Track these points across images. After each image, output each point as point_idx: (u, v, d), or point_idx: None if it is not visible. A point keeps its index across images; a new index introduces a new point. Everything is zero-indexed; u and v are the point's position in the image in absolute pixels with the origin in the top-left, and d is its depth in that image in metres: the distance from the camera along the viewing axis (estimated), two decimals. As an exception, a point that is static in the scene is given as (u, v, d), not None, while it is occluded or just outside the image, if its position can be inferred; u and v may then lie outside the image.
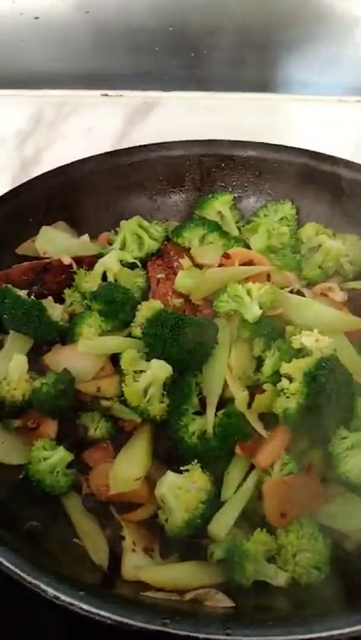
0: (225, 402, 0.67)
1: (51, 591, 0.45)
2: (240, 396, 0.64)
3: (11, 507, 0.58)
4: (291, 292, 0.74)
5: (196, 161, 0.93)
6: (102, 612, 0.44)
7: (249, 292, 0.70)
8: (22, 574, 0.46)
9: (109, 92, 1.17)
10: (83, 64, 1.15)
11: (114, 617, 0.43)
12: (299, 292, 0.75)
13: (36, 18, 1.08)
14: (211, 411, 0.66)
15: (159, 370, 0.67)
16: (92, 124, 1.16)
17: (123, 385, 0.69)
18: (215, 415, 0.65)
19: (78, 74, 1.16)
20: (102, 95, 1.17)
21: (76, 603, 0.44)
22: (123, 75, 1.15)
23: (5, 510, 0.55)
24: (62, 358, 0.73)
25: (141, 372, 0.69)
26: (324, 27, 1.06)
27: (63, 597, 0.45)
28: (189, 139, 0.95)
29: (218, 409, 0.66)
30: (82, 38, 1.11)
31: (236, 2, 1.05)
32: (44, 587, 0.45)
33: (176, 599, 0.51)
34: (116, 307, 0.74)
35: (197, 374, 0.69)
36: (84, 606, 0.44)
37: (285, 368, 0.64)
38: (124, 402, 0.70)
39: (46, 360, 0.74)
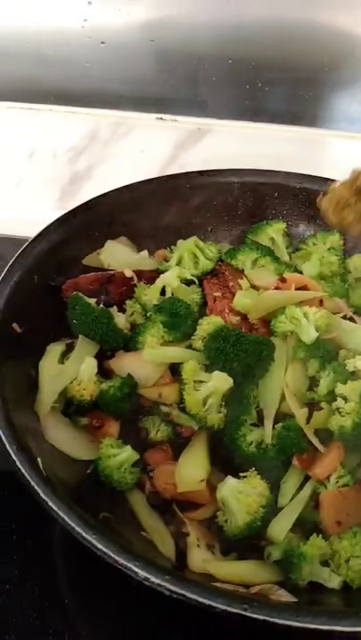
0: (280, 416, 0.72)
1: (141, 573, 0.49)
2: (300, 411, 0.69)
3: (86, 498, 0.62)
4: (343, 318, 0.80)
5: (251, 188, 0.99)
6: (188, 594, 0.48)
7: (306, 315, 0.76)
8: (116, 557, 0.50)
9: (164, 116, 1.23)
10: (141, 88, 1.21)
11: (200, 599, 0.48)
12: (350, 319, 0.80)
13: (103, 43, 1.15)
14: (269, 422, 0.71)
15: (220, 381, 0.72)
16: (145, 146, 1.22)
17: (183, 393, 0.74)
18: (273, 428, 0.70)
19: (136, 96, 1.22)
20: (157, 119, 1.23)
21: (164, 584, 0.49)
22: (179, 100, 1.21)
23: (83, 501, 0.60)
24: (126, 364, 0.78)
25: (201, 382, 0.74)
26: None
27: (153, 579, 0.49)
28: (238, 166, 1.02)
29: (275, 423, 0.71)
30: (143, 64, 1.17)
31: (291, 41, 1.12)
32: (135, 569, 0.50)
33: (244, 591, 0.56)
34: (179, 319, 0.79)
35: (255, 388, 0.74)
36: (172, 587, 0.49)
37: (341, 389, 0.69)
38: (183, 409, 0.75)
39: (111, 364, 0.79)
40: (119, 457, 0.69)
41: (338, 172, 1.02)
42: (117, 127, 1.23)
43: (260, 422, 0.72)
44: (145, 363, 0.77)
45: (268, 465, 0.68)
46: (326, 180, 0.97)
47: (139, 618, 0.63)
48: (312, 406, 0.72)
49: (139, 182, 0.96)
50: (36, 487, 0.55)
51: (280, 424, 0.70)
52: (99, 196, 0.92)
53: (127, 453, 0.69)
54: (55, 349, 0.77)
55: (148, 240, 0.95)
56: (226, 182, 0.98)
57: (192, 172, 0.97)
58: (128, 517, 0.66)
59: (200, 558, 0.60)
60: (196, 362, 0.76)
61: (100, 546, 0.51)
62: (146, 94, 1.21)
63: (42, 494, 0.54)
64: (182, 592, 0.49)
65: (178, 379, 0.76)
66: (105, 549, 0.51)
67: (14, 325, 0.75)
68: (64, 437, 0.70)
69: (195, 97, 1.21)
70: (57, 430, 0.70)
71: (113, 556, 0.51)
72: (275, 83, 1.17)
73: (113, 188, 0.94)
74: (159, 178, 0.97)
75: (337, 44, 1.11)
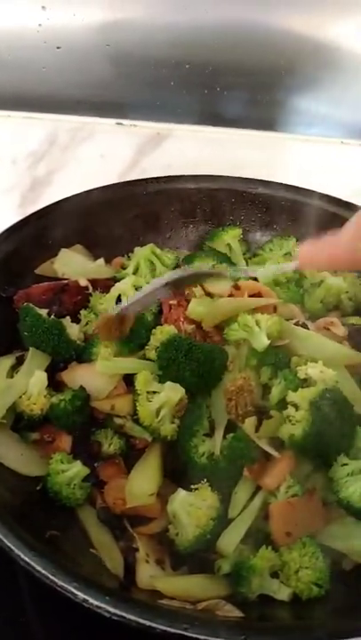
0: (232, 426, 0.71)
1: (80, 595, 0.48)
2: (248, 421, 0.69)
3: (31, 516, 0.61)
4: (296, 324, 0.79)
5: (208, 194, 0.98)
6: (128, 615, 0.47)
7: (258, 323, 0.75)
8: (54, 579, 0.49)
9: (123, 122, 1.22)
10: (100, 92, 1.20)
11: (139, 620, 0.47)
12: (303, 325, 0.80)
13: (58, 47, 1.14)
14: (219, 433, 0.70)
15: (172, 392, 0.72)
16: (105, 151, 1.21)
17: (137, 404, 0.73)
18: (224, 438, 0.70)
19: (95, 101, 1.21)
20: (117, 124, 1.22)
21: (103, 606, 0.48)
22: (138, 105, 1.21)
23: (27, 519, 0.59)
24: (78, 376, 0.77)
25: (154, 392, 0.73)
26: (329, 71, 1.14)
27: (91, 601, 0.48)
28: (198, 171, 1.01)
29: (227, 432, 0.70)
30: (101, 69, 1.16)
31: (248, 46, 1.11)
32: (74, 591, 0.49)
33: (190, 608, 0.55)
34: (132, 330, 0.79)
35: (208, 398, 0.74)
36: (111, 609, 0.48)
37: (292, 396, 0.69)
38: (136, 421, 0.74)
39: (63, 376, 0.78)
40: (69, 472, 0.68)
41: (296, 175, 1.03)
42: (77, 132, 1.22)
43: (213, 433, 0.71)
44: (98, 374, 0.75)
45: (219, 476, 0.68)
46: (280, 184, 0.97)
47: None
48: (264, 415, 0.71)
49: (95, 189, 0.95)
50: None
51: (231, 434, 0.69)
52: (52, 204, 0.91)
53: (77, 468, 0.69)
54: (4, 363, 0.76)
55: (104, 248, 0.94)
56: (183, 188, 0.98)
57: (149, 179, 0.96)
58: (78, 535, 0.65)
59: (148, 574, 0.59)
60: (150, 372, 0.75)
61: (38, 567, 0.50)
62: (104, 99, 1.21)
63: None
64: (122, 614, 0.48)
65: (132, 390, 0.75)
66: (43, 570, 0.50)
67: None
68: (12, 454, 0.68)
69: (154, 102, 1.20)
70: (4, 446, 0.68)
71: (51, 577, 0.50)
72: (233, 87, 1.17)
73: (67, 196, 0.92)
74: (115, 185, 0.96)
75: (293, 47, 1.12)
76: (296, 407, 0.68)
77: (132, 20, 1.10)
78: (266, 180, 0.98)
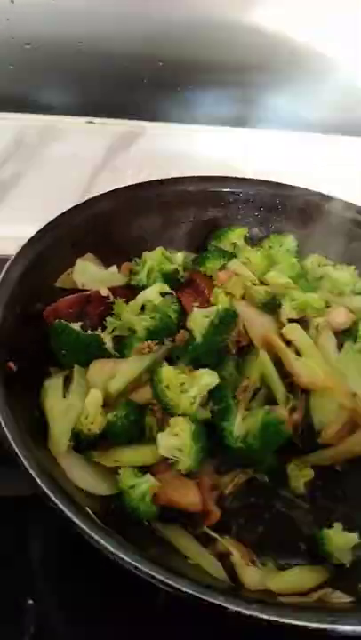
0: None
1: (232, 608, 0.50)
2: None
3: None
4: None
5: (206, 195, 1.00)
6: (281, 620, 0.50)
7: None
8: (197, 594, 0.50)
9: (95, 120, 1.19)
10: (70, 91, 1.16)
11: (293, 622, 0.50)
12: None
13: (27, 44, 1.09)
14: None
15: (209, 377, 0.73)
16: (76, 151, 1.18)
17: (168, 397, 0.73)
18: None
19: (64, 100, 1.17)
20: (87, 122, 1.19)
21: (255, 614, 0.50)
22: (109, 104, 1.18)
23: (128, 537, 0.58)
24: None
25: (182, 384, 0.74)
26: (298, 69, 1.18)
27: (243, 611, 0.50)
28: (173, 169, 1.03)
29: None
30: (71, 67, 1.13)
31: (221, 44, 1.13)
32: (220, 603, 0.50)
33: (309, 601, 0.58)
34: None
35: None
36: (264, 617, 0.50)
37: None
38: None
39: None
40: (142, 487, 0.68)
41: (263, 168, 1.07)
42: (46, 132, 1.17)
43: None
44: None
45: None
46: (278, 184, 1.01)
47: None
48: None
49: (96, 196, 0.93)
50: (102, 542, 0.53)
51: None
52: (60, 216, 0.88)
53: (149, 482, 0.69)
54: (55, 384, 0.73)
55: (112, 255, 0.93)
56: (183, 190, 0.98)
57: (150, 182, 0.96)
58: (164, 548, 0.66)
59: (254, 575, 0.62)
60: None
61: (185, 589, 0.51)
62: (75, 98, 1.17)
63: (111, 549, 0.53)
64: (272, 618, 0.50)
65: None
66: (182, 588, 0.51)
67: (10, 364, 0.70)
68: (85, 475, 0.67)
69: (125, 99, 1.19)
70: (77, 469, 0.67)
71: (195, 594, 0.51)
72: (205, 84, 1.18)
73: (73, 205, 0.90)
74: (118, 190, 0.95)
75: (266, 45, 1.15)
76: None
77: (105, 15, 1.07)
78: (260, 179, 1.02)
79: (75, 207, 0.89)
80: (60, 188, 1.19)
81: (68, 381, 0.75)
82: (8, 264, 0.76)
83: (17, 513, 0.72)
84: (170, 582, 0.51)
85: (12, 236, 0.90)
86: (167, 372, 0.74)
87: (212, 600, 0.50)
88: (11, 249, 0.81)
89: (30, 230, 0.85)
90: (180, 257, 0.93)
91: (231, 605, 0.50)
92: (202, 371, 0.74)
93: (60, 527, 0.57)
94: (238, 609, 0.50)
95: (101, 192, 0.94)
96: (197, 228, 1.01)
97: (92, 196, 0.94)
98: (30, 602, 0.65)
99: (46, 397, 0.72)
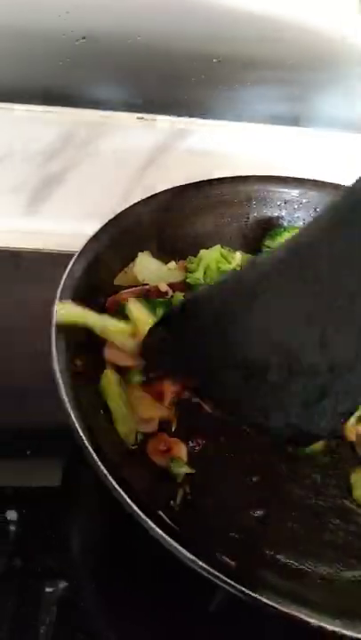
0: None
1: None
2: None
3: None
4: None
5: (262, 195, 0.99)
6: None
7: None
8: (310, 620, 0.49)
9: (145, 116, 1.18)
10: (122, 86, 1.15)
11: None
12: None
13: (83, 38, 1.08)
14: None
15: None
16: (125, 147, 1.17)
17: None
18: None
19: (115, 96, 1.16)
20: (138, 118, 1.18)
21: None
22: (160, 100, 1.17)
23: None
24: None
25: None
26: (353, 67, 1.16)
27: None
28: (220, 168, 1.01)
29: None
30: (126, 62, 1.12)
31: (277, 41, 1.11)
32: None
33: None
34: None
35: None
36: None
37: None
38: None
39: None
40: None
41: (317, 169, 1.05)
42: (95, 128, 1.16)
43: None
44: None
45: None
46: (336, 185, 0.99)
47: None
48: None
49: (157, 194, 0.92)
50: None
51: None
52: (122, 212, 0.87)
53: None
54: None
55: (169, 253, 0.92)
56: (239, 190, 0.97)
57: (210, 180, 0.95)
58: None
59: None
60: None
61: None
62: (125, 93, 1.16)
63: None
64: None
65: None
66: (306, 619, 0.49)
67: (77, 362, 0.69)
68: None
69: (176, 97, 1.17)
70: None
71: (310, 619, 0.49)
72: (259, 82, 1.16)
73: (135, 202, 0.89)
74: (173, 189, 0.93)
75: (318, 42, 1.13)
76: None
77: (165, 9, 1.06)
78: (316, 179, 1.00)
79: (136, 204, 0.88)
80: (109, 183, 1.19)
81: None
82: (74, 259, 0.75)
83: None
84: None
85: (60, 233, 0.90)
86: None
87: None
88: (59, 244, 0.80)
89: (78, 226, 0.85)
90: (238, 256, 0.92)
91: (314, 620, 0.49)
92: None
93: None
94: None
95: (149, 189, 0.93)
96: (252, 229, 1.00)
97: (140, 192, 0.93)
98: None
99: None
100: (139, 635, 0.65)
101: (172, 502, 0.64)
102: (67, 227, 1.15)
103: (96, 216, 0.86)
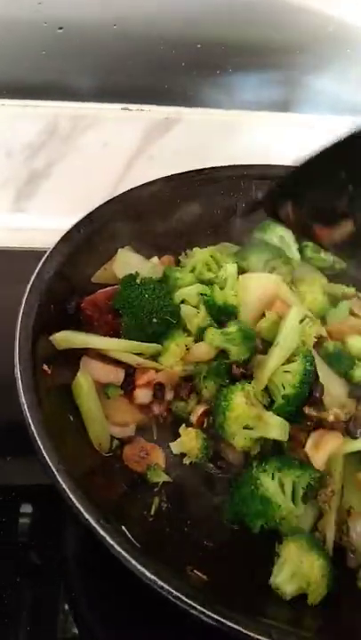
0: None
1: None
2: None
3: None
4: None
5: (251, 184, 0.94)
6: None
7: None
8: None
9: (130, 107, 1.14)
10: (105, 77, 1.12)
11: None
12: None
13: (60, 28, 1.04)
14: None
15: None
16: (111, 138, 1.14)
17: None
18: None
19: (99, 87, 1.12)
20: (122, 109, 1.14)
21: None
22: (144, 89, 1.13)
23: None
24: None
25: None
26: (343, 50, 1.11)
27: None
28: (210, 157, 0.97)
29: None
30: (106, 52, 1.08)
31: (263, 25, 1.07)
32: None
33: None
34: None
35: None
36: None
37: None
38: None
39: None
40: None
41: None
42: (79, 120, 1.12)
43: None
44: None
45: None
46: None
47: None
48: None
49: (134, 188, 0.88)
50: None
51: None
52: (98, 207, 0.83)
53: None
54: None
55: (151, 247, 0.88)
56: (225, 176, 0.93)
57: (192, 171, 0.91)
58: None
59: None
60: None
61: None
62: (110, 84, 1.12)
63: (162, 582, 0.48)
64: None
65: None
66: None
67: (45, 367, 0.66)
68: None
69: (162, 85, 1.13)
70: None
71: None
72: (245, 67, 1.12)
73: (110, 198, 0.85)
74: (156, 181, 0.90)
75: (307, 26, 1.08)
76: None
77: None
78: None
79: (112, 199, 0.85)
80: (95, 176, 1.15)
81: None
82: (43, 259, 0.72)
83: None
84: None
85: (46, 228, 0.87)
86: (240, 406, 0.67)
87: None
88: (46, 241, 0.77)
89: (65, 222, 0.82)
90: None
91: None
92: (274, 419, 0.68)
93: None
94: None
95: (137, 181, 0.90)
96: (241, 220, 0.95)
97: (127, 185, 0.89)
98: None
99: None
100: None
101: (145, 512, 0.61)
102: (53, 223, 1.12)
103: (84, 211, 0.83)
